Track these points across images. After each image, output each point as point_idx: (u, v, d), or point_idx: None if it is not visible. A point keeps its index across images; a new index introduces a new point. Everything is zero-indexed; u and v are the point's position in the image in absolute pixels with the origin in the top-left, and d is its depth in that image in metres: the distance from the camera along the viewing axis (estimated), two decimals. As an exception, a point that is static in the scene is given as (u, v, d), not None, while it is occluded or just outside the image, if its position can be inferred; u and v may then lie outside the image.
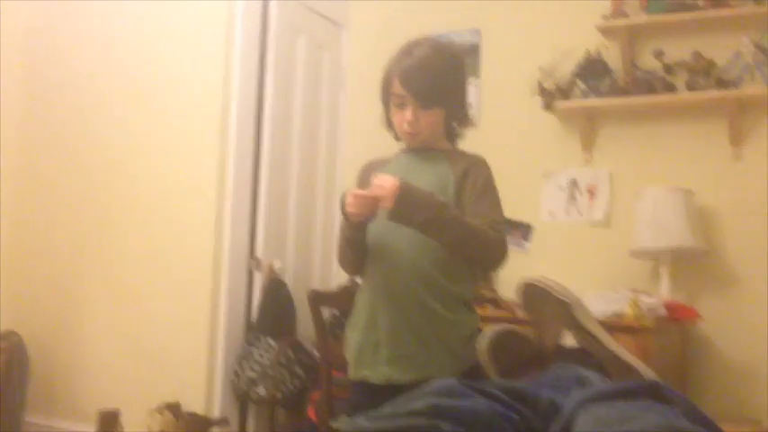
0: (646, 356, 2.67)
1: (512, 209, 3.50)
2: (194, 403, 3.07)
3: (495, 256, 1.86)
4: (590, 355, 1.55)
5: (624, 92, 3.29)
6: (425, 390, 1.21)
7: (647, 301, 2.79)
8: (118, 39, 3.45)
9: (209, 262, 3.13)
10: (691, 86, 3.19)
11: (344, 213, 1.84)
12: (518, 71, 3.58)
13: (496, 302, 3.21)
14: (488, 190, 1.91)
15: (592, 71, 3.35)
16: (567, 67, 3.43)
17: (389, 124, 1.99)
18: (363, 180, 1.95)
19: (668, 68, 3.25)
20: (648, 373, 1.52)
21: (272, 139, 3.40)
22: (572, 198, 3.45)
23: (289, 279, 3.39)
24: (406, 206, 1.75)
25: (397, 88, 1.90)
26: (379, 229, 1.87)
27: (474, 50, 3.70)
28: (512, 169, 3.55)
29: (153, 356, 3.20)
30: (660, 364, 2.75)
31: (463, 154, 2.00)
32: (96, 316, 3.38)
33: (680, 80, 3.23)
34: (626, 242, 3.20)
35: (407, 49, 1.94)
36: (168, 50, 3.33)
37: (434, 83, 1.88)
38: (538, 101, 3.46)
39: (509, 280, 3.47)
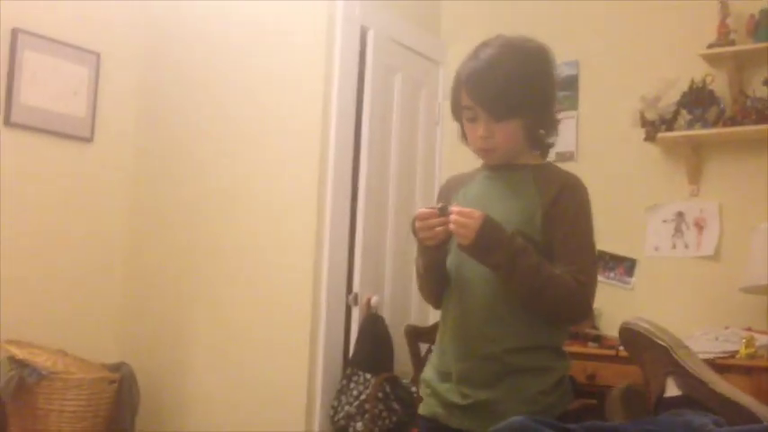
0: (761, 397, 2.53)
1: (614, 244, 3.48)
2: (294, 436, 3.10)
3: (572, 313, 1.61)
4: (695, 402, 1.46)
5: (733, 121, 3.16)
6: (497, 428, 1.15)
7: (762, 339, 2.65)
8: (221, 82, 3.59)
9: (308, 298, 3.18)
10: (805, 114, 3.04)
11: (416, 236, 1.63)
12: (618, 102, 3.51)
13: (599, 340, 3.12)
14: (579, 224, 1.63)
15: (697, 100, 3.24)
16: (671, 98, 3.33)
17: (466, 140, 1.73)
18: (443, 197, 1.75)
19: (780, 96, 3.11)
20: (766, 413, 1.43)
21: (369, 175, 3.44)
22: (678, 232, 3.33)
23: (386, 314, 3.40)
24: (482, 245, 1.54)
25: (465, 99, 1.65)
26: (458, 259, 1.65)
27: (573, 82, 3.66)
28: (614, 203, 3.48)
29: (255, 389, 3.27)
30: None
31: (554, 172, 1.71)
32: (202, 349, 3.49)
33: (793, 108, 3.09)
34: (737, 278, 3.05)
35: (474, 53, 1.68)
36: (268, 93, 3.44)
37: (506, 89, 1.60)
38: (640, 132, 3.37)
39: (613, 316, 3.38)
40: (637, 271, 3.41)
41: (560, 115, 3.56)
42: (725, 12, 3.21)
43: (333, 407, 3.14)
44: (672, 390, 1.51)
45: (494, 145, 1.65)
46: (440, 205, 1.58)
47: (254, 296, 3.34)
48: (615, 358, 2.89)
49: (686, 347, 1.55)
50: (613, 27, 3.59)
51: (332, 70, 3.30)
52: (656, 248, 3.38)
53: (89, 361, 3.40)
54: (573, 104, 3.66)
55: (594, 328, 3.32)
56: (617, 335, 2.95)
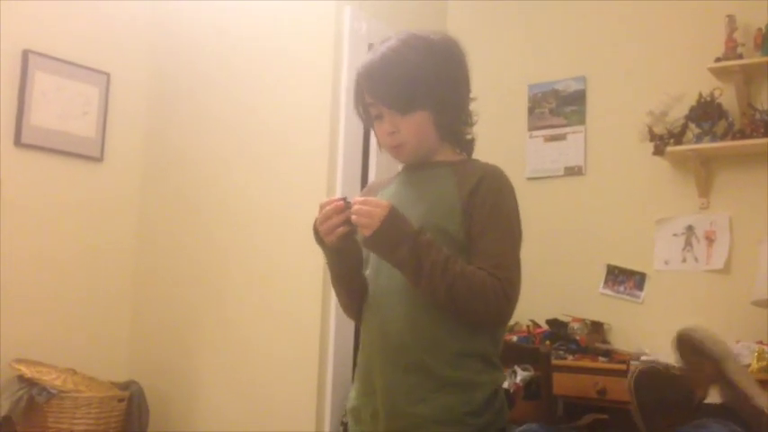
0: (775, 412, 2.50)
1: (624, 257, 3.47)
2: (304, 453, 3.09)
3: (488, 313, 1.45)
4: (733, 412, 1.46)
5: (741, 134, 3.16)
6: None
7: (774, 352, 2.63)
8: (229, 102, 3.61)
9: (317, 313, 3.18)
10: (814, 127, 3.03)
11: (318, 239, 1.54)
12: (626, 117, 3.51)
13: (610, 354, 3.10)
14: (498, 216, 1.50)
15: (705, 114, 3.24)
16: (679, 112, 3.34)
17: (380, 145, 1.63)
18: None
19: (788, 109, 3.11)
20: None
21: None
22: (688, 245, 3.32)
23: (396, 330, 3.38)
24: (387, 237, 1.42)
25: (367, 96, 1.56)
26: (376, 267, 1.55)
27: (580, 98, 3.67)
28: (624, 217, 3.48)
29: (264, 406, 3.26)
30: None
31: (474, 165, 1.59)
32: (211, 367, 3.48)
33: (801, 120, 3.09)
34: (748, 291, 3.04)
35: (374, 47, 1.59)
36: (276, 111, 3.44)
37: (403, 80, 1.50)
38: (648, 146, 3.37)
39: (623, 330, 3.37)
40: (647, 285, 3.40)
41: (568, 130, 3.68)
42: (732, 26, 3.22)
43: (342, 423, 3.13)
44: (714, 397, 1.50)
45: (401, 140, 1.55)
46: (343, 197, 1.49)
47: (264, 313, 3.35)
48: (626, 373, 2.87)
49: (737, 361, 1.54)
50: (620, 42, 3.60)
51: (339, 89, 3.31)
52: (666, 262, 3.36)
53: (98, 379, 3.41)
54: (581, 119, 3.66)
55: (605, 342, 3.31)
56: (627, 348, 2.94)
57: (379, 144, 1.63)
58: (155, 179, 3.87)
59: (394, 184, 1.66)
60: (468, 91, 1.61)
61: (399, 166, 1.82)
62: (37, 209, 3.47)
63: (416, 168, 1.61)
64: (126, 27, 3.84)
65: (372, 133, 3.52)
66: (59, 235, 3.55)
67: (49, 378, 3.15)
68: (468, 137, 1.63)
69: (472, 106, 1.62)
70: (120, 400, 3.32)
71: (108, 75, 3.76)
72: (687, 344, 1.58)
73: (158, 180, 3.86)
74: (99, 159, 3.73)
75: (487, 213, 1.49)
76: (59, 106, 3.58)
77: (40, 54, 3.50)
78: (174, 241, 3.73)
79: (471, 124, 1.63)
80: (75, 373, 3.32)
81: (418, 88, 1.51)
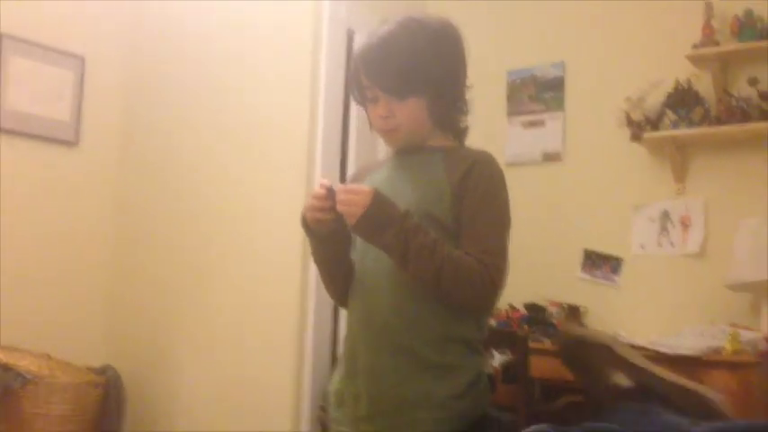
0: (747, 392, 2.56)
1: (601, 242, 3.50)
2: (283, 437, 3.10)
3: (475, 297, 1.45)
4: (650, 391, 1.47)
5: (718, 121, 3.19)
6: None
7: (747, 335, 2.67)
8: (207, 86, 3.57)
9: (295, 297, 3.17)
10: (788, 113, 3.07)
11: (305, 227, 1.54)
12: (604, 103, 3.53)
13: (587, 338, 3.13)
14: (487, 203, 1.51)
15: (682, 101, 3.26)
16: (656, 98, 3.35)
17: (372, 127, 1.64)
18: None
19: (763, 96, 3.13)
20: (713, 395, 1.44)
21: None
22: (664, 230, 3.35)
23: (374, 315, 3.39)
24: (372, 222, 1.42)
25: (364, 79, 1.56)
26: (362, 250, 1.56)
27: (558, 83, 3.68)
28: (600, 202, 3.51)
29: (242, 390, 3.25)
30: (763, 401, 2.62)
31: (465, 152, 1.59)
32: (189, 351, 3.47)
33: (776, 107, 3.12)
34: (723, 275, 3.07)
35: (372, 30, 1.58)
36: (254, 95, 3.42)
37: (402, 65, 1.50)
38: (625, 132, 3.39)
39: (599, 315, 3.40)
40: (623, 269, 3.43)
41: (547, 116, 3.69)
42: (709, 13, 3.24)
43: (321, 407, 3.14)
44: (624, 382, 1.51)
45: (395, 125, 1.56)
46: (328, 185, 1.47)
47: (241, 297, 3.33)
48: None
49: (624, 344, 1.56)
50: (599, 29, 3.61)
51: (318, 73, 3.29)
52: (643, 247, 3.39)
53: (74, 364, 3.38)
54: (559, 105, 3.68)
55: (581, 326, 3.33)
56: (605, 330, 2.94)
57: (372, 127, 1.63)
58: (132, 164, 3.83)
59: (385, 169, 1.65)
60: (465, 79, 1.61)
61: (382, 152, 1.82)
62: (11, 193, 3.43)
63: (408, 153, 1.61)
64: (101, 11, 3.79)
65: (352, 116, 3.53)
66: (34, 219, 3.51)
67: (24, 363, 3.12)
68: (462, 125, 1.63)
69: (468, 95, 1.62)
70: (97, 386, 3.30)
71: (83, 58, 3.72)
72: (569, 347, 1.58)
73: (135, 165, 3.82)
74: (74, 143, 3.69)
75: (478, 200, 1.49)
76: (34, 90, 3.53)
77: (14, 38, 3.45)
78: (152, 226, 3.70)
79: (466, 112, 1.63)
80: (50, 358, 3.30)
81: (416, 75, 1.51)
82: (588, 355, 1.56)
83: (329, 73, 3.32)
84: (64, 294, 3.60)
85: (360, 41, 1.59)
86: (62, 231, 3.62)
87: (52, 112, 3.61)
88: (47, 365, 3.22)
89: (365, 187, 1.46)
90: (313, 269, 3.15)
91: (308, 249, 3.10)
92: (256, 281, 3.31)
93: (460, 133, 1.64)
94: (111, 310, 3.76)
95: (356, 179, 1.70)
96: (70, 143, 3.68)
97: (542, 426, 1.26)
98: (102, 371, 3.43)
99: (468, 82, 1.62)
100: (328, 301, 3.24)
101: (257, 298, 3.29)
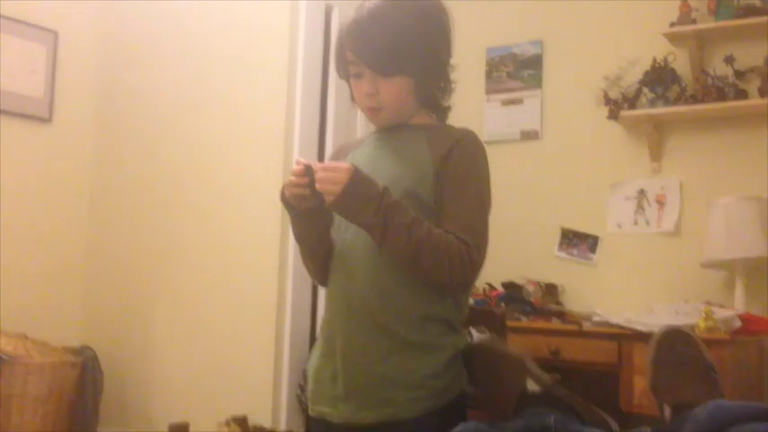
0: (721, 370, 2.58)
1: (578, 220, 3.52)
2: (261, 416, 3.10)
3: (454, 275, 1.43)
4: (554, 397, 1.49)
5: (694, 99, 3.21)
6: None
7: (720, 312, 2.71)
8: (182, 61, 3.53)
9: (274, 279, 3.16)
10: (763, 92, 3.09)
11: (284, 202, 1.51)
12: (582, 81, 3.53)
13: (563, 316, 3.16)
14: (469, 181, 1.49)
15: (659, 79, 3.28)
16: (634, 76, 3.37)
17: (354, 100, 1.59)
18: None
19: (739, 74, 3.16)
20: (614, 424, 1.47)
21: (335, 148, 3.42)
22: (640, 208, 3.38)
23: (353, 293, 3.38)
24: (351, 200, 1.40)
25: (349, 54, 1.52)
26: (341, 229, 1.53)
27: (537, 61, 3.68)
28: (577, 180, 3.52)
29: (221, 371, 3.25)
30: (736, 378, 2.66)
31: (448, 130, 1.57)
32: (166, 332, 3.46)
33: (752, 86, 3.14)
34: (697, 253, 3.11)
35: (360, 4, 1.53)
36: (231, 72, 3.38)
37: (390, 43, 1.47)
38: (603, 111, 3.40)
39: (576, 292, 3.43)
40: (599, 247, 3.45)
41: (525, 94, 3.68)
42: (687, -10, 3.24)
43: (300, 386, 3.14)
44: (533, 387, 1.53)
45: (379, 103, 1.53)
46: (307, 163, 1.44)
47: (219, 279, 3.32)
48: (579, 333, 2.94)
49: (530, 359, 1.57)
50: (577, 7, 3.61)
51: (296, 49, 3.26)
52: (619, 225, 3.42)
53: (51, 345, 3.35)
54: (537, 83, 3.68)
55: (558, 303, 3.37)
56: (579, 309, 2.98)
57: (355, 102, 1.59)
58: (106, 141, 3.78)
59: (366, 146, 1.63)
60: (450, 57, 1.59)
61: (361, 130, 1.77)
62: (-17, 171, 3.38)
63: (390, 131, 1.59)
64: (74, -17, 3.72)
65: (330, 94, 3.49)
66: (7, 198, 3.46)
67: (0, 344, 3.09)
68: (446, 104, 1.62)
69: (453, 76, 1.60)
70: (74, 366, 3.28)
71: (56, 32, 3.65)
72: (483, 357, 1.58)
73: (110, 142, 3.77)
74: (47, 120, 3.64)
75: (459, 178, 1.48)
76: (5, 64, 3.46)
77: (-17, 10, 3.37)
78: (128, 205, 3.66)
79: (450, 92, 1.61)
80: (26, 338, 3.27)
81: (403, 53, 1.48)
82: (501, 364, 1.57)
83: (307, 49, 3.29)
84: (41, 274, 3.57)
85: (347, 15, 1.53)
86: (37, 210, 3.57)
87: (24, 88, 3.54)
88: (23, 346, 3.19)
89: (344, 164, 1.43)
90: (291, 250, 3.15)
91: (286, 231, 3.12)
92: (235, 263, 3.29)
93: (443, 112, 1.62)
94: (89, 291, 3.73)
95: (336, 157, 1.67)
96: (43, 120, 3.62)
97: (470, 424, 1.27)
98: (80, 351, 3.41)
99: (455, 62, 1.60)
100: (307, 282, 3.25)
101: (235, 280, 3.28)
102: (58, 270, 3.66)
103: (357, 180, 1.41)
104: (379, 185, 1.43)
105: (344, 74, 1.58)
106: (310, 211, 1.50)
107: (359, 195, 1.40)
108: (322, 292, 3.29)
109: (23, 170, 3.53)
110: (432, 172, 1.49)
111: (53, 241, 3.64)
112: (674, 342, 1.54)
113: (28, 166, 3.55)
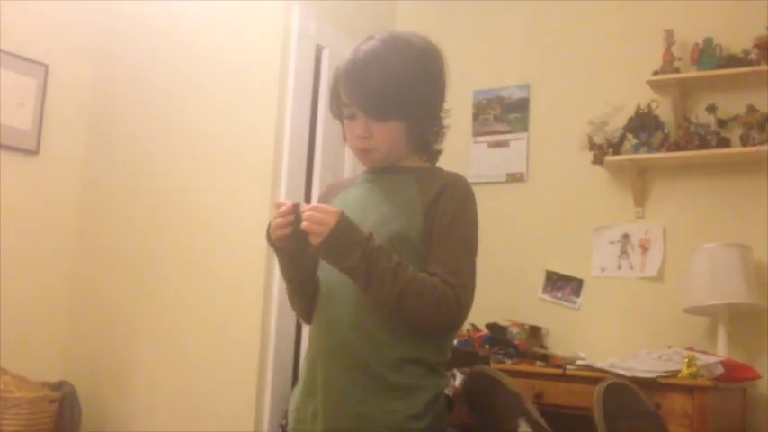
0: (703, 416, 2.59)
1: (563, 264, 3.53)
2: (241, 456, 3.06)
3: (439, 320, 1.44)
4: None
5: (677, 146, 3.25)
6: None
7: (703, 358, 2.71)
8: (173, 96, 3.55)
9: (257, 315, 3.15)
10: (745, 141, 3.14)
11: (270, 240, 1.50)
12: (567, 126, 3.58)
13: (547, 359, 3.15)
14: (457, 224, 1.50)
15: (643, 125, 3.33)
16: (618, 122, 3.42)
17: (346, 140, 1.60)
18: (322, 203, 1.59)
19: (721, 123, 3.21)
20: None
21: (322, 186, 3.43)
22: (624, 253, 3.40)
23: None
24: (337, 244, 1.40)
25: (344, 96, 1.53)
26: (326, 268, 1.53)
27: (523, 105, 3.73)
28: (562, 223, 3.55)
29: (202, 409, 3.21)
30: (719, 425, 2.66)
31: (438, 174, 1.59)
32: (146, 368, 3.42)
33: (734, 134, 3.20)
34: (680, 299, 3.12)
35: (356, 46, 1.54)
36: (222, 110, 3.40)
37: (384, 88, 1.47)
38: (588, 155, 3.45)
39: (560, 335, 3.43)
40: (583, 291, 3.47)
41: (511, 137, 3.72)
42: (670, 40, 3.31)
43: (281, 426, 3.11)
44: (524, 428, 1.54)
45: (372, 146, 1.54)
46: (296, 203, 1.46)
47: (203, 315, 3.30)
48: (562, 377, 2.93)
49: (529, 399, 1.59)
50: (564, 53, 3.67)
51: (286, 88, 3.29)
52: (603, 269, 3.44)
53: (30, 380, 3.30)
54: (523, 127, 3.72)
55: (542, 347, 3.36)
56: (563, 354, 2.99)
57: (347, 142, 1.61)
58: (93, 173, 3.78)
59: (357, 187, 1.64)
60: (443, 102, 1.60)
61: (348, 167, 1.77)
62: (-32, 202, 3.36)
63: (380, 172, 1.60)
64: (66, 18, 3.75)
65: (319, 130, 3.50)
66: (-9, 230, 3.44)
67: (-23, 378, 3.05)
68: (437, 147, 1.63)
69: (446, 121, 1.62)
70: (52, 401, 3.23)
71: (46, 66, 3.66)
72: (481, 384, 1.59)
73: (97, 175, 3.77)
74: (35, 152, 3.63)
75: (448, 221, 1.49)
76: (-6, 97, 3.47)
77: (-26, 43, 3.39)
78: (113, 239, 3.65)
79: (443, 136, 1.62)
80: (5, 372, 3.22)
81: (397, 99, 1.48)
82: (496, 397, 1.57)
83: (297, 88, 3.32)
84: (22, 307, 3.52)
85: (339, 56, 1.57)
86: (21, 243, 3.54)
87: (12, 120, 3.54)
88: (1, 380, 3.14)
89: (332, 208, 1.45)
90: (276, 282, 3.14)
91: (271, 268, 3.12)
92: (218, 298, 3.27)
93: (434, 155, 1.64)
94: (70, 325, 3.68)
95: (326, 196, 1.68)
96: (31, 152, 3.61)
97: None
98: (58, 386, 3.36)
99: (447, 105, 1.63)
100: (291, 317, 3.23)
101: (218, 315, 3.25)
102: (41, 303, 3.61)
103: (344, 224, 1.41)
104: (365, 231, 1.43)
105: (338, 114, 1.60)
106: (297, 252, 1.50)
107: (345, 240, 1.41)
108: (305, 334, 3.29)
109: (9, 202, 3.51)
110: (421, 215, 1.49)
111: (36, 273, 3.61)
112: (621, 394, 1.56)
113: (14, 198, 3.53)
